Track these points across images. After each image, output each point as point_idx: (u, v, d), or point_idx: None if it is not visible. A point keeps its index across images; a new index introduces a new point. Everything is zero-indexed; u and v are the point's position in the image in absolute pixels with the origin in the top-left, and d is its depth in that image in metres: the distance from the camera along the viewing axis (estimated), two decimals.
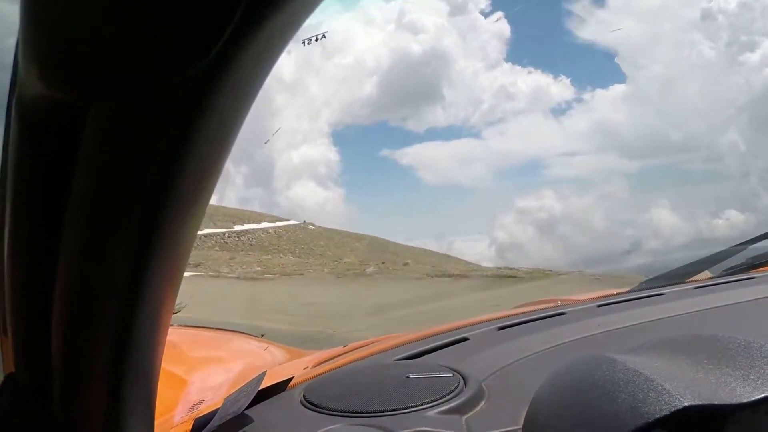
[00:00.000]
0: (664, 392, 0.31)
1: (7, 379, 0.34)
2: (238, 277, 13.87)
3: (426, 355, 0.73)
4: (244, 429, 0.53)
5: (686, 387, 0.32)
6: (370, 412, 0.53)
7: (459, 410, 0.52)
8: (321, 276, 14.39)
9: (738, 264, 1.20)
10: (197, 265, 17.06)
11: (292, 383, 0.65)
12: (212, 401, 0.65)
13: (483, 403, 0.54)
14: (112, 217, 0.27)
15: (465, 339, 0.79)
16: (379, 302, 8.19)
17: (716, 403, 0.31)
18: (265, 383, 0.60)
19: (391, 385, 0.58)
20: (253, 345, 1.23)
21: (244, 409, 0.55)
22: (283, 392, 0.63)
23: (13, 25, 0.25)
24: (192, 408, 0.66)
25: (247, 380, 0.58)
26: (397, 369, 0.65)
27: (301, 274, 14.76)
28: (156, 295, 0.31)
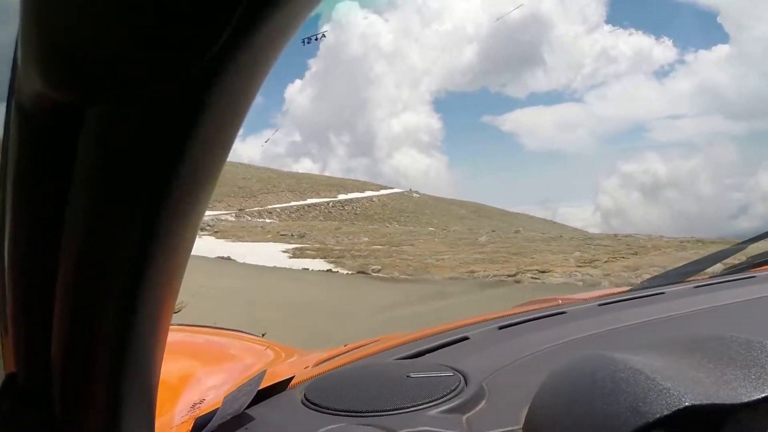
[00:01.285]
0: (664, 391, 0.31)
1: (7, 380, 0.34)
2: (343, 255, 12.53)
3: (426, 355, 0.73)
4: (245, 428, 0.53)
5: (687, 386, 0.32)
6: (371, 412, 0.53)
7: (460, 409, 0.52)
8: (433, 246, 13.40)
9: (738, 263, 1.21)
10: (302, 236, 16.52)
11: (292, 383, 0.65)
12: (213, 401, 0.65)
13: (483, 402, 0.54)
14: (112, 217, 0.27)
15: (465, 338, 0.79)
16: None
17: (717, 402, 0.31)
18: (266, 382, 0.60)
19: (392, 384, 0.58)
20: (253, 344, 1.23)
21: (245, 409, 0.55)
22: (284, 392, 0.63)
23: (13, 25, 0.25)
24: (192, 408, 0.66)
25: (248, 379, 0.58)
26: (397, 368, 0.65)
27: (411, 245, 13.81)
28: (156, 295, 0.31)
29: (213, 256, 12.06)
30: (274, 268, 10.92)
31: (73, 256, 0.29)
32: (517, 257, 10.65)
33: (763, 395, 0.31)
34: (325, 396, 0.57)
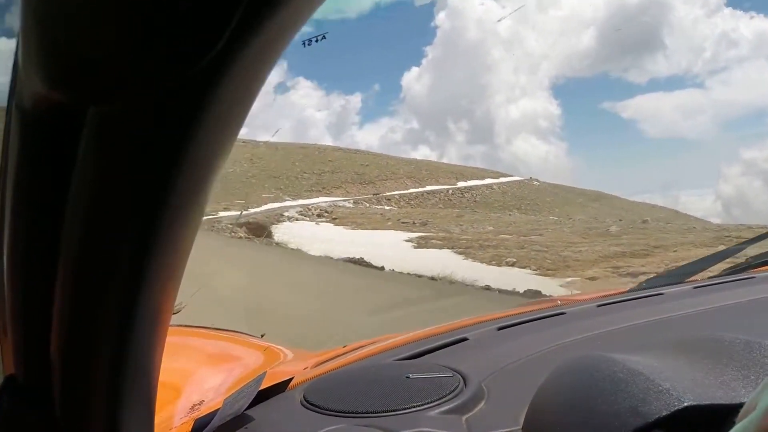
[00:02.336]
0: (664, 392, 0.31)
1: (6, 380, 0.34)
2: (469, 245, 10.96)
3: (426, 355, 0.73)
4: (245, 429, 0.53)
5: (686, 387, 0.32)
6: (370, 413, 0.53)
7: (459, 410, 0.52)
8: (563, 236, 12.12)
9: (737, 264, 1.21)
10: (424, 224, 15.76)
11: (292, 383, 0.65)
12: (212, 402, 0.65)
13: (483, 403, 0.54)
14: (112, 217, 0.27)
15: (465, 339, 0.79)
16: None
17: (716, 402, 0.31)
18: (265, 383, 0.60)
19: (391, 385, 0.58)
20: (253, 345, 1.23)
21: (245, 410, 0.55)
22: (284, 393, 0.63)
23: (13, 26, 0.25)
24: (192, 409, 0.66)
25: (247, 380, 0.58)
26: (397, 369, 0.65)
27: (540, 235, 12.46)
28: (156, 295, 0.31)
29: (340, 257, 9.81)
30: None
31: (72, 256, 0.29)
32: (660, 251, 9.51)
33: None
34: (324, 397, 0.57)
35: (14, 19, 0.24)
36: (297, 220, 24.04)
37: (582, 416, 0.34)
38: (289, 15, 0.24)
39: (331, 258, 9.93)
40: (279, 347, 1.17)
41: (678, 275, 1.16)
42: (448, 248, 10.74)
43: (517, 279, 7.58)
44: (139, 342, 0.32)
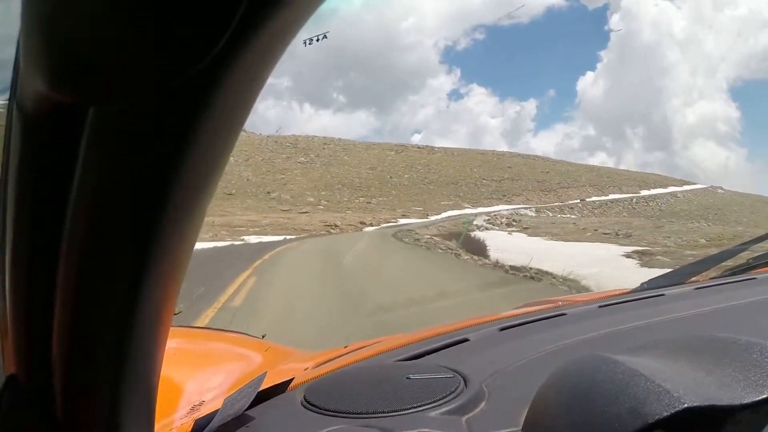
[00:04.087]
0: (664, 393, 0.31)
1: (8, 381, 0.34)
2: None
3: (426, 356, 0.73)
4: (245, 430, 0.53)
5: (687, 388, 0.32)
6: (371, 413, 0.53)
7: (459, 411, 0.52)
8: None
9: (739, 264, 1.21)
10: (628, 236, 14.53)
11: (292, 384, 0.65)
12: (213, 402, 0.65)
13: (483, 404, 0.54)
14: (113, 218, 0.27)
15: (465, 340, 0.79)
16: None
17: (717, 404, 0.31)
18: (266, 384, 0.60)
19: (392, 385, 0.58)
20: (254, 345, 1.23)
21: (245, 410, 0.55)
22: (284, 393, 0.63)
23: (14, 26, 0.25)
24: (192, 410, 0.66)
25: (248, 381, 0.58)
26: (397, 370, 0.65)
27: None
28: (157, 296, 0.31)
29: (571, 277, 7.65)
30: None
31: (74, 256, 0.29)
32: None
33: (764, 397, 0.31)
34: (325, 397, 0.57)
35: (15, 18, 0.24)
36: (487, 229, 23.15)
37: (582, 417, 0.34)
38: (289, 15, 0.24)
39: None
40: (279, 347, 1.17)
41: (679, 276, 1.16)
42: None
43: None
44: (140, 342, 0.32)
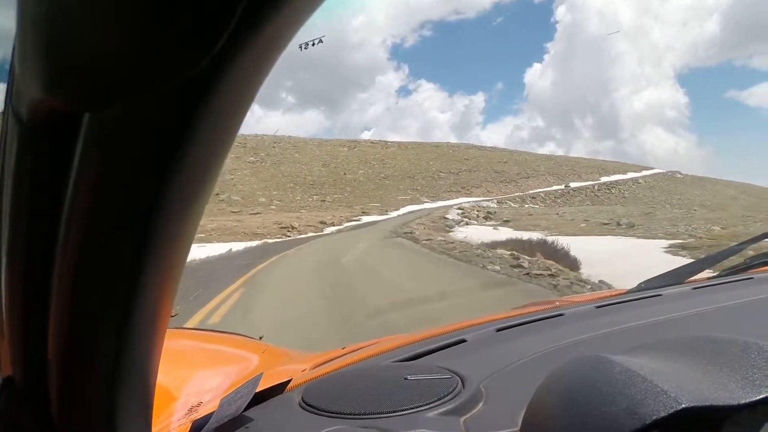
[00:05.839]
0: (662, 393, 0.31)
1: (4, 382, 0.34)
2: None
3: (424, 357, 0.73)
4: (243, 431, 0.53)
5: (684, 388, 0.32)
6: (369, 414, 0.52)
7: (457, 412, 0.52)
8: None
9: (736, 264, 1.21)
10: (632, 226, 13.13)
11: (290, 385, 0.65)
12: (210, 404, 0.65)
13: (481, 404, 0.54)
14: (110, 220, 0.27)
15: (463, 341, 0.79)
16: None
17: (714, 404, 0.31)
18: (263, 385, 0.60)
19: (389, 386, 0.58)
20: (251, 346, 1.23)
21: (242, 411, 0.55)
22: (281, 394, 0.63)
23: (9, 30, 0.25)
24: (190, 411, 0.66)
25: (245, 382, 0.58)
26: (395, 371, 0.65)
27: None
28: (154, 297, 0.31)
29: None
30: None
31: (70, 258, 0.29)
32: None
33: (761, 397, 0.31)
34: (322, 398, 0.57)
35: (11, 23, 0.24)
36: (467, 224, 20.39)
37: (580, 417, 0.34)
38: (287, 17, 0.24)
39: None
40: (277, 348, 1.17)
41: (677, 276, 1.16)
42: None
43: None
44: (136, 344, 0.32)
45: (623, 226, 13.69)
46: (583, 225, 15.29)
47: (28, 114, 0.26)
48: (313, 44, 0.46)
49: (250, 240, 18.78)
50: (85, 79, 0.23)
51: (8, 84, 0.27)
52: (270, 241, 19.23)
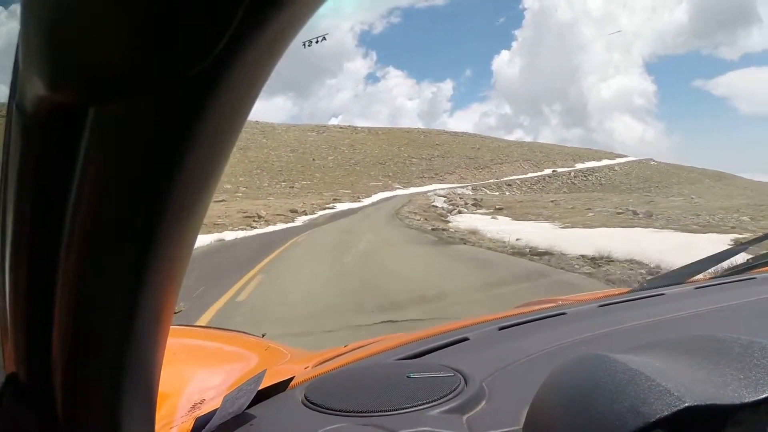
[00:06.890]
0: (664, 392, 0.31)
1: (8, 380, 0.34)
2: None
3: (427, 355, 0.73)
4: (245, 428, 0.53)
5: (687, 387, 0.32)
6: (371, 412, 0.53)
7: (460, 410, 0.52)
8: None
9: (739, 264, 1.21)
10: (649, 215, 11.88)
11: (293, 383, 0.65)
12: (213, 401, 0.65)
13: (484, 402, 0.54)
14: (113, 218, 0.27)
15: (466, 339, 0.79)
16: None
17: (717, 403, 0.31)
18: (266, 383, 0.60)
19: (392, 384, 0.58)
20: (254, 344, 1.23)
21: (245, 409, 0.55)
22: (284, 392, 0.63)
23: (13, 27, 0.25)
24: (193, 408, 0.66)
25: (248, 379, 0.58)
26: (398, 368, 0.65)
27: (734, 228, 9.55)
28: (157, 295, 0.31)
29: None
30: None
31: (74, 256, 0.29)
32: None
33: (764, 396, 0.31)
34: (325, 396, 0.57)
35: (15, 19, 0.24)
36: (460, 213, 18.54)
37: (583, 416, 0.34)
38: (289, 16, 0.24)
39: None
40: (279, 346, 1.18)
41: (679, 275, 1.16)
42: None
43: None
44: (140, 342, 0.32)
45: (641, 216, 12.18)
46: (591, 215, 13.70)
47: (31, 108, 0.26)
48: (317, 42, 0.46)
49: (208, 232, 15.53)
50: (88, 74, 0.23)
51: (12, 78, 0.27)
52: (228, 237, 15.51)
